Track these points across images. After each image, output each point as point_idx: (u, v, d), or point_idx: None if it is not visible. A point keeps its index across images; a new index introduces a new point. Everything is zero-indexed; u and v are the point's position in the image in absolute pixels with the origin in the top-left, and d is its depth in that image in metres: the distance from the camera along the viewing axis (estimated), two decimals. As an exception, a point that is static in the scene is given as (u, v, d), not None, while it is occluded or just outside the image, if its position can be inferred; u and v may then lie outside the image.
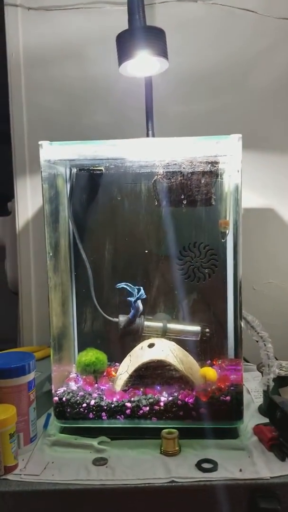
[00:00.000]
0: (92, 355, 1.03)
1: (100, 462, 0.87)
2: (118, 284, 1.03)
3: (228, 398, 0.95)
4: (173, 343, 1.03)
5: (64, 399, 0.97)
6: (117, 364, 1.09)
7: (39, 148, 0.95)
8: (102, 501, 0.81)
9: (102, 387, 1.01)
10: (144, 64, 1.06)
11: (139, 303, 1.04)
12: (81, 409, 0.96)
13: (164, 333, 1.07)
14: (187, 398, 0.95)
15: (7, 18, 1.31)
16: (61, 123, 1.32)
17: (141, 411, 0.95)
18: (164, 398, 0.96)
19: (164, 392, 0.97)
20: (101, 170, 1.07)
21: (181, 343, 1.05)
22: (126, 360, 1.03)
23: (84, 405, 0.96)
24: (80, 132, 1.31)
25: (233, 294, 0.99)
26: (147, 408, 0.95)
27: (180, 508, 0.82)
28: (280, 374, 1.05)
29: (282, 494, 0.80)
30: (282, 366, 1.10)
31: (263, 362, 1.02)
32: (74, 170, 1.08)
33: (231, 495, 0.81)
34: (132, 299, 1.03)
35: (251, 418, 1.01)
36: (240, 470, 0.84)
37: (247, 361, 1.23)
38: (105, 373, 1.05)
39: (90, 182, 1.09)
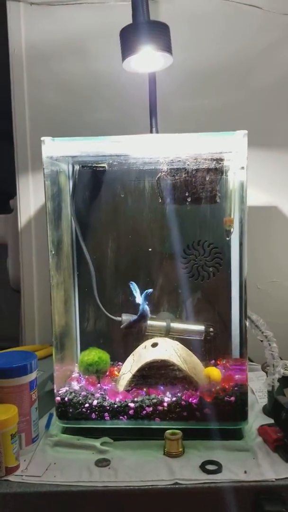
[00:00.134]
0: (94, 354, 1.02)
1: (102, 463, 0.86)
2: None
3: (232, 398, 0.94)
4: (176, 342, 1.03)
5: (66, 399, 0.97)
6: (120, 363, 1.08)
7: (41, 145, 0.94)
8: (105, 503, 0.80)
9: (104, 387, 1.00)
10: (148, 59, 1.05)
11: (147, 311, 1.03)
12: (84, 409, 0.95)
13: (168, 333, 1.06)
14: (191, 399, 0.94)
15: (9, 13, 1.30)
16: (64, 120, 1.31)
17: (144, 412, 0.94)
18: (167, 398, 0.95)
19: (168, 393, 0.96)
20: (104, 167, 1.06)
21: (185, 342, 1.04)
22: (129, 359, 1.03)
23: (87, 405, 0.96)
24: (83, 129, 1.30)
25: (239, 293, 0.98)
26: (151, 408, 0.94)
27: (184, 511, 0.81)
28: (285, 374, 1.03)
29: (287, 497, 0.79)
30: (287, 366, 1.08)
31: (268, 362, 1.01)
32: (77, 167, 1.07)
33: (235, 497, 0.80)
34: (142, 305, 1.02)
35: (256, 418, 1.01)
36: (245, 472, 0.83)
37: (251, 361, 1.22)
38: (108, 373, 1.05)
39: (93, 179, 1.08)
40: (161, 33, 1.00)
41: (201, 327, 1.07)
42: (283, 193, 1.32)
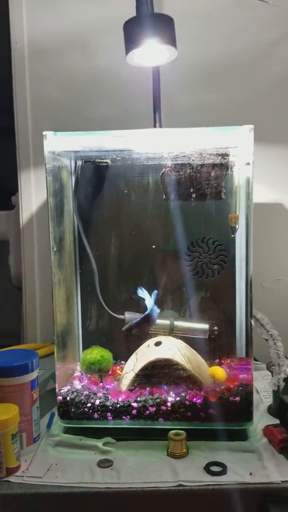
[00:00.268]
0: (97, 353, 1.01)
1: (105, 464, 0.85)
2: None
3: (237, 398, 0.93)
4: (180, 341, 1.01)
5: (68, 398, 0.96)
6: (122, 362, 1.07)
7: (43, 141, 0.93)
8: (107, 505, 0.79)
9: (107, 386, 0.99)
10: (152, 53, 1.03)
11: (155, 314, 1.01)
12: (86, 409, 0.94)
13: (171, 331, 1.05)
14: (195, 399, 0.93)
15: (11, 5, 1.28)
16: (66, 115, 1.30)
17: (147, 412, 0.93)
18: (171, 398, 0.94)
19: (172, 392, 0.95)
20: (107, 162, 1.05)
21: (189, 341, 1.03)
22: (132, 358, 1.01)
23: (89, 404, 0.94)
24: (86, 125, 1.29)
25: (245, 291, 0.96)
26: (154, 408, 0.93)
27: (188, 513, 0.79)
28: (291, 374, 1.02)
29: (294, 499, 0.78)
30: (292, 366, 1.08)
31: (273, 361, 1.00)
32: (79, 163, 1.05)
33: (241, 500, 0.78)
34: (150, 308, 1.01)
35: (261, 418, 0.99)
36: (250, 474, 0.81)
37: (256, 360, 1.21)
38: (110, 372, 1.04)
39: (95, 174, 1.07)
40: (165, 26, 0.99)
41: (205, 326, 1.05)
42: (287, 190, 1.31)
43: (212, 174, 0.97)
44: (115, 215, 1.08)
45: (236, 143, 0.93)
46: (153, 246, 1.08)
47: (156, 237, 1.07)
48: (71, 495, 0.78)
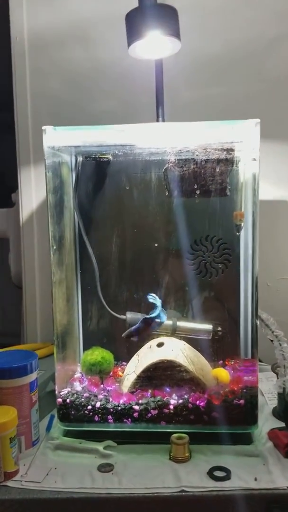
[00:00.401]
0: (98, 354, 1.00)
1: (105, 468, 0.83)
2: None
3: (242, 401, 0.91)
4: (183, 342, 1.00)
5: (68, 400, 0.94)
6: (124, 363, 1.05)
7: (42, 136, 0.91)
8: (107, 511, 0.77)
9: (108, 388, 0.98)
10: (154, 45, 1.02)
11: (160, 319, 0.99)
12: (86, 412, 0.93)
13: (174, 332, 1.04)
14: (198, 401, 0.91)
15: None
16: (67, 110, 1.29)
17: (149, 414, 0.91)
18: (174, 400, 0.92)
19: (174, 395, 0.94)
20: (109, 158, 1.03)
21: (192, 342, 1.02)
22: (134, 359, 1.00)
23: (89, 407, 0.93)
24: (86, 119, 1.27)
25: (251, 290, 0.94)
26: (156, 411, 0.91)
27: (191, 520, 0.78)
28: (296, 376, 1.01)
29: (300, 506, 0.76)
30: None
31: (279, 362, 0.99)
32: (80, 158, 1.04)
33: (245, 506, 0.77)
34: (157, 309, 0.99)
35: (265, 421, 0.98)
36: (255, 479, 0.79)
37: (260, 361, 1.19)
38: (111, 373, 1.02)
39: (96, 170, 1.05)
40: (168, 17, 0.97)
41: (208, 326, 1.04)
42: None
43: (217, 170, 0.95)
44: (116, 212, 1.07)
45: (241, 138, 0.91)
46: (156, 245, 1.06)
47: (159, 235, 1.06)
48: (70, 501, 0.77)
